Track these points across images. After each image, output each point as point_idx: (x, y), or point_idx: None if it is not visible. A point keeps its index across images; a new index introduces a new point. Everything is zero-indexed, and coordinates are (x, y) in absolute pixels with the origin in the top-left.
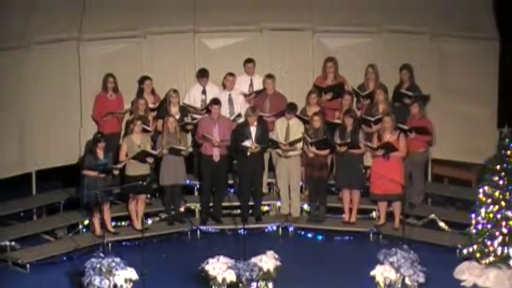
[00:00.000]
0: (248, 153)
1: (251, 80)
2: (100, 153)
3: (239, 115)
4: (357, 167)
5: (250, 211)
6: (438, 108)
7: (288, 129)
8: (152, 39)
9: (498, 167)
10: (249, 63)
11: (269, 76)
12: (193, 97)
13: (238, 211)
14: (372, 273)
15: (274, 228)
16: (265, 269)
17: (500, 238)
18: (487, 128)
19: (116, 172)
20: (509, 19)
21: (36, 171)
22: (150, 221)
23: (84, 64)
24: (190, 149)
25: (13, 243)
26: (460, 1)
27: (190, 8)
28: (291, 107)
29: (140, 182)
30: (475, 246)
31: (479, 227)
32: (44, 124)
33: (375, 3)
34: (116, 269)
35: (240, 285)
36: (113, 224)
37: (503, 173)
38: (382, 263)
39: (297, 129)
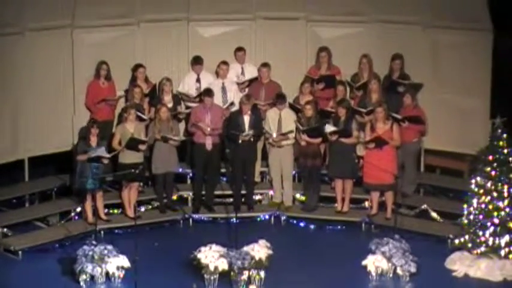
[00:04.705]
0: (240, 141)
1: (242, 69)
2: (93, 140)
3: (232, 103)
4: (350, 156)
5: (243, 200)
6: (431, 99)
7: (280, 119)
8: (146, 27)
9: (490, 157)
10: (239, 52)
11: (264, 65)
12: (188, 85)
13: (231, 200)
14: (364, 262)
15: (267, 217)
16: (257, 258)
17: (491, 228)
18: (479, 118)
19: (106, 161)
20: (503, 10)
21: (29, 157)
22: (142, 209)
23: (77, 51)
24: (183, 138)
25: (5, 230)
26: None
27: None
28: (281, 98)
29: (133, 170)
30: (466, 237)
31: (471, 217)
32: (37, 111)
33: None
34: (108, 257)
35: (232, 273)
36: (105, 211)
37: (495, 164)
38: (373, 253)
39: (289, 119)
